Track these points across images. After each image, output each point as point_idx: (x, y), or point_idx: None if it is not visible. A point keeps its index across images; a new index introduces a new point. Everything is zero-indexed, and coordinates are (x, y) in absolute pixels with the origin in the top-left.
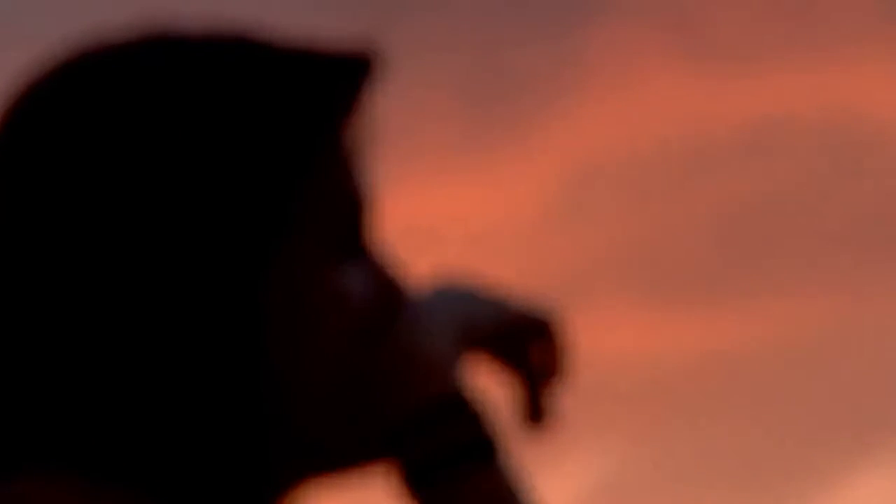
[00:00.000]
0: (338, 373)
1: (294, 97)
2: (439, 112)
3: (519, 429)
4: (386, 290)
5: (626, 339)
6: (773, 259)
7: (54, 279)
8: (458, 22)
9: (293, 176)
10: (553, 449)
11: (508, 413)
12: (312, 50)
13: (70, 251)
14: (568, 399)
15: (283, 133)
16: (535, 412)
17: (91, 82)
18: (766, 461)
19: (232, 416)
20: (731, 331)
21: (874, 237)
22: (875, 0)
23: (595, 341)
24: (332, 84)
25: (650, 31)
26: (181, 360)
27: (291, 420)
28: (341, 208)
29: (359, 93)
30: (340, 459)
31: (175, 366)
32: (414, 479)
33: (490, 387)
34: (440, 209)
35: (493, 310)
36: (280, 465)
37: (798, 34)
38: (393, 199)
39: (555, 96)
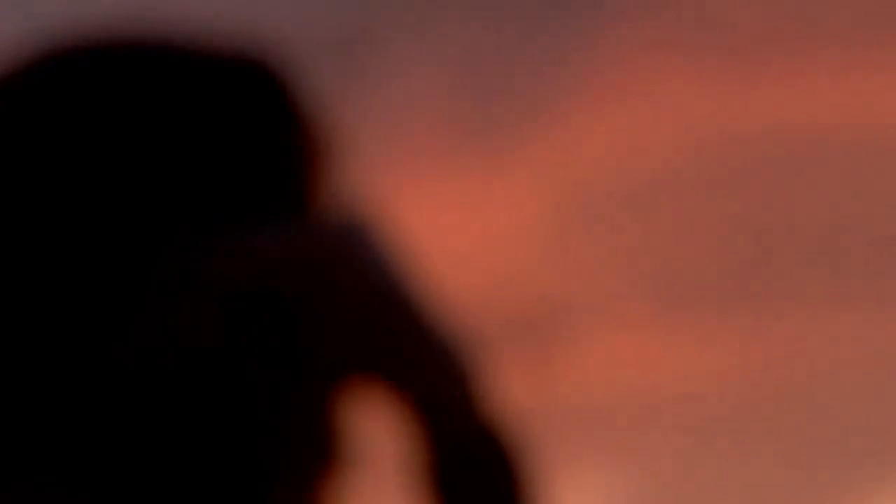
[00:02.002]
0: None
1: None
2: (442, 116)
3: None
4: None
5: (635, 349)
6: (788, 273)
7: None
8: (463, 24)
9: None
10: (560, 467)
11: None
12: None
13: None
14: (575, 417)
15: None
16: None
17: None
18: (783, 480)
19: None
20: (743, 348)
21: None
22: None
23: (603, 351)
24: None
25: (659, 34)
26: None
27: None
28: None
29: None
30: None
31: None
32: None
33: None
34: (442, 214)
35: None
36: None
37: (815, 39)
38: (395, 202)
39: (561, 101)
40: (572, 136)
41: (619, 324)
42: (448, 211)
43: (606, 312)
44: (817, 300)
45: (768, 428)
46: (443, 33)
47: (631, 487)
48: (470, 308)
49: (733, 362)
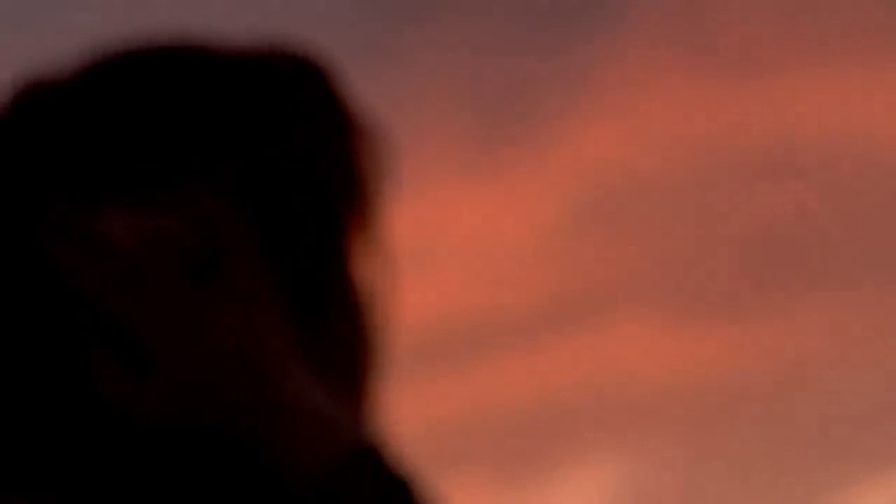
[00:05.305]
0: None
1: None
2: (452, 126)
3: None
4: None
5: (642, 352)
6: (789, 275)
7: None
8: (472, 33)
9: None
10: (566, 459)
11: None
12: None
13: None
14: (585, 410)
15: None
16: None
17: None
18: (782, 475)
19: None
20: (746, 346)
21: (893, 257)
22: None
23: (611, 354)
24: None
25: (667, 43)
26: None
27: None
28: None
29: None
30: None
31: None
32: None
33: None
34: (453, 223)
35: None
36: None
37: (820, 40)
38: (406, 212)
39: (569, 110)
40: (585, 143)
41: (626, 322)
42: (460, 216)
43: (613, 311)
44: (827, 294)
45: (777, 423)
46: (456, 40)
47: (636, 482)
48: (470, 312)
49: (740, 357)
